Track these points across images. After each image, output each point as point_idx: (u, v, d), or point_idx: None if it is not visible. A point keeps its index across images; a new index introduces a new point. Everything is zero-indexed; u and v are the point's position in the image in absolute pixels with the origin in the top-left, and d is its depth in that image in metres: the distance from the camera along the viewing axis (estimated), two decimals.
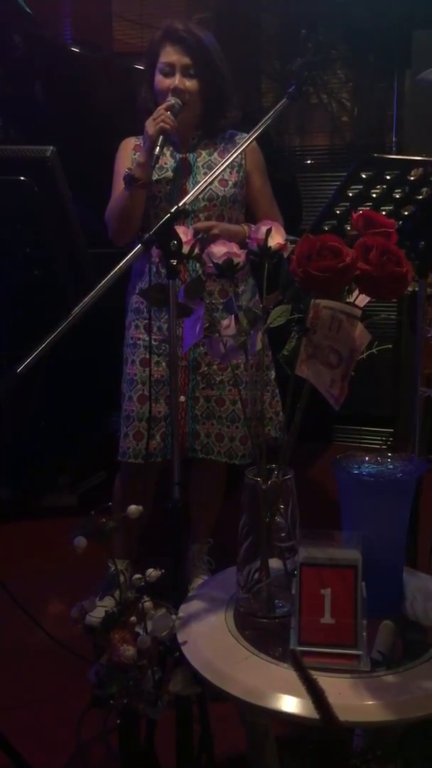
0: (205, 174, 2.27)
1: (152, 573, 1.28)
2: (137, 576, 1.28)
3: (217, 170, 1.67)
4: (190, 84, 2.22)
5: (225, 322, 1.33)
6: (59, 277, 2.82)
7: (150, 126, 2.13)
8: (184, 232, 1.38)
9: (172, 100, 2.17)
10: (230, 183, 2.29)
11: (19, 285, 2.86)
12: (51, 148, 2.62)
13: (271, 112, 1.58)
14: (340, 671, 1.13)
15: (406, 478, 1.29)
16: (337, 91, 4.27)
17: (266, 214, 2.30)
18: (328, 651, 1.14)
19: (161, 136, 2.09)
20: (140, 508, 1.32)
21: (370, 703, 1.07)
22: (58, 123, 3.15)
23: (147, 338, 2.29)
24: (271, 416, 2.37)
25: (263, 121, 1.59)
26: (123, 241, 2.30)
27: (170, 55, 2.22)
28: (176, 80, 2.20)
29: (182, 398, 2.28)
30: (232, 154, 1.68)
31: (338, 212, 1.50)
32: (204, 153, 2.31)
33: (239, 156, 2.26)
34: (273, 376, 2.40)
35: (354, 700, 1.07)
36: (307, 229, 1.42)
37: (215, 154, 2.32)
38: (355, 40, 4.09)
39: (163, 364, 2.27)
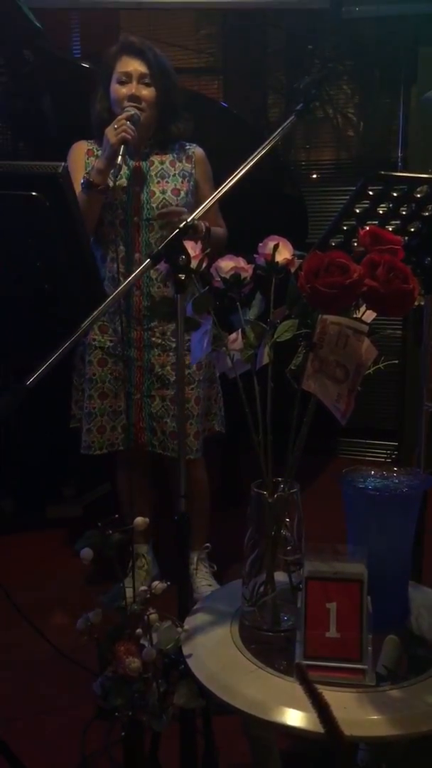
0: (158, 182, 2.35)
1: (158, 586, 1.28)
2: (143, 588, 1.28)
3: (221, 191, 1.56)
4: (146, 92, 2.30)
5: (232, 336, 1.34)
6: (69, 290, 2.83)
7: (111, 135, 2.19)
8: (192, 247, 1.39)
9: (131, 110, 2.24)
10: (182, 192, 2.37)
11: (30, 298, 2.87)
12: (63, 164, 2.62)
13: (279, 130, 1.58)
14: (345, 685, 1.13)
15: (411, 492, 1.29)
16: (343, 105, 4.29)
17: (213, 224, 2.41)
18: (333, 665, 1.14)
19: (122, 146, 2.16)
20: (146, 520, 1.33)
21: (375, 717, 1.07)
22: (66, 138, 3.18)
23: (101, 339, 2.43)
24: (216, 411, 2.53)
25: (271, 138, 1.59)
26: None
27: (127, 65, 2.30)
28: (133, 88, 2.28)
29: (137, 396, 2.43)
30: (246, 163, 1.61)
31: (345, 228, 1.52)
32: (156, 161, 2.39)
33: (189, 165, 2.41)
34: (218, 374, 2.50)
35: (359, 714, 1.08)
36: (313, 244, 1.43)
37: (167, 163, 2.39)
38: (361, 56, 4.11)
39: (120, 363, 2.42)
